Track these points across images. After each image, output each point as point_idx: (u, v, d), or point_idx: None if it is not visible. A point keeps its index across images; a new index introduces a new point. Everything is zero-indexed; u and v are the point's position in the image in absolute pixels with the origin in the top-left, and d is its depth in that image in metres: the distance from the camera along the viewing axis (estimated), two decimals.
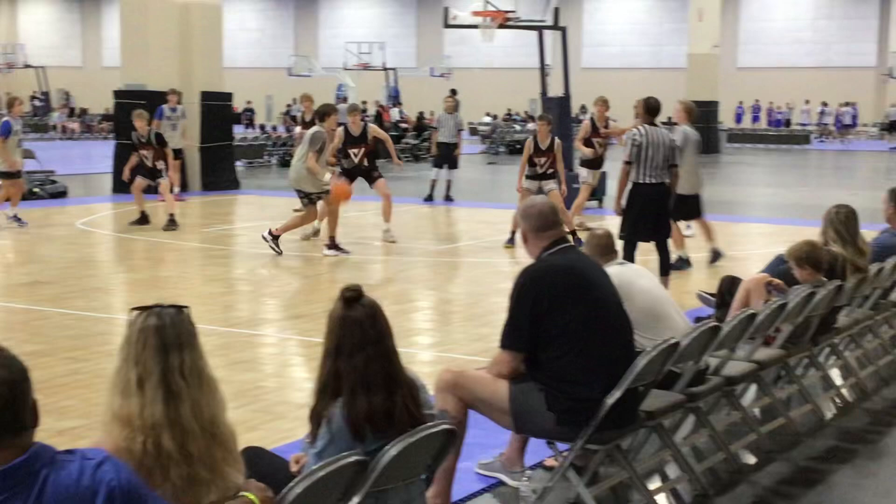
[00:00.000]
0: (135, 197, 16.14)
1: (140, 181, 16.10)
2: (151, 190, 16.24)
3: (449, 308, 10.94)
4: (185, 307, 3.12)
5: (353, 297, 3.68)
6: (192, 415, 3.00)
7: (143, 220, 15.99)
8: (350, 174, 14.46)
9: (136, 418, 2.97)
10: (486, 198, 21.61)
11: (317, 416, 3.69)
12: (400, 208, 18.73)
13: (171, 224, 15.63)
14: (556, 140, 14.28)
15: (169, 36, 21.21)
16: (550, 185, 14.16)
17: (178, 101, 19.93)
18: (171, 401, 2.99)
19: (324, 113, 13.81)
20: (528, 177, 14.28)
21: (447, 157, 20.27)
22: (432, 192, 20.37)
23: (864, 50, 55.83)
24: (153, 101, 20.02)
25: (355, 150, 14.42)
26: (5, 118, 15.72)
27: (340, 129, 14.33)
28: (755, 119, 54.43)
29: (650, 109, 10.36)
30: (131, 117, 16.54)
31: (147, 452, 2.95)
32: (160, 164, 16.02)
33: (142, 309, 3.08)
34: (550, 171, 14.26)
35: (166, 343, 3.02)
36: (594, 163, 16.48)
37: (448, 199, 20.26)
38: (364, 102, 48.26)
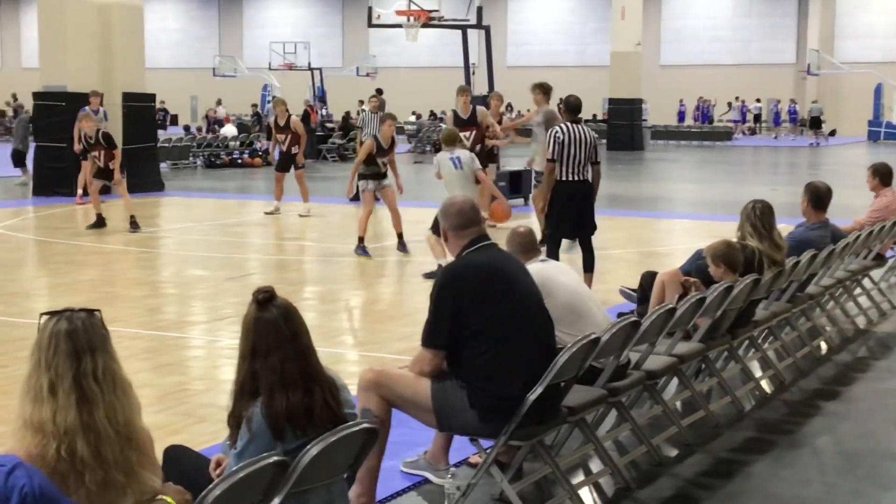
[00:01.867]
0: (92, 200, 16.03)
1: (96, 183, 16.00)
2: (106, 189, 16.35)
3: (375, 308, 10.95)
4: (97, 310, 3.10)
5: (265, 299, 3.69)
6: (107, 419, 2.98)
7: (100, 223, 15.79)
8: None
9: (48, 424, 2.94)
10: (412, 197, 21.62)
11: (236, 419, 3.68)
12: (326, 208, 18.76)
13: (134, 226, 15.56)
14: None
15: (88, 37, 20.91)
16: (387, 181, 13.99)
17: (101, 103, 19.69)
18: (85, 405, 2.96)
19: (548, 90, 13.80)
20: (367, 177, 13.98)
21: None
22: (359, 192, 20.29)
23: (783, 47, 56.88)
24: (74, 102, 19.80)
25: (466, 133, 14.78)
26: None
27: (450, 113, 14.92)
28: (681, 118, 54.99)
29: (571, 108, 10.46)
30: (77, 120, 16.62)
31: (61, 458, 2.92)
32: (112, 165, 15.86)
33: (52, 314, 3.05)
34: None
35: (78, 347, 2.99)
36: (488, 157, 16.45)
37: (374, 198, 20.19)
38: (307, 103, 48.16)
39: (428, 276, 12.44)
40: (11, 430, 3.05)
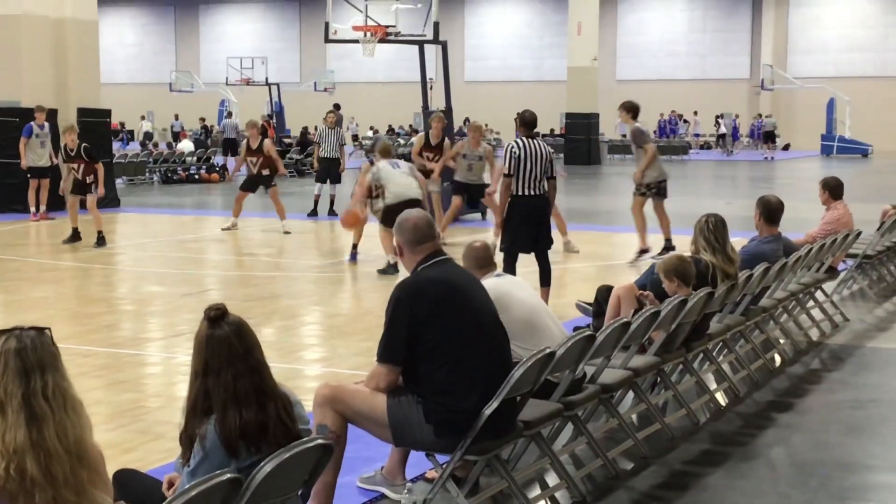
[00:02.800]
0: (69, 213, 15.89)
1: (72, 198, 15.84)
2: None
3: (334, 323, 10.93)
4: (47, 328, 3.08)
5: (217, 316, 3.69)
6: (57, 437, 2.96)
7: (76, 237, 15.66)
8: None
9: None
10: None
11: (189, 436, 3.67)
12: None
13: (100, 241, 15.45)
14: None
15: (43, 52, 20.75)
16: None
17: (46, 118, 19.50)
18: (34, 424, 2.95)
19: (632, 108, 14.27)
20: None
21: (329, 172, 20.28)
22: (316, 207, 20.34)
23: (737, 63, 57.45)
24: (28, 118, 19.61)
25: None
26: None
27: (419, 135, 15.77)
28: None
29: (526, 122, 10.52)
30: (60, 132, 16.55)
31: (10, 478, 2.90)
32: (90, 179, 15.75)
33: (1, 332, 3.03)
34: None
35: (27, 366, 2.97)
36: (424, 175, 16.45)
37: (332, 213, 20.22)
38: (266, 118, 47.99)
39: (381, 272, 12.75)
40: None
